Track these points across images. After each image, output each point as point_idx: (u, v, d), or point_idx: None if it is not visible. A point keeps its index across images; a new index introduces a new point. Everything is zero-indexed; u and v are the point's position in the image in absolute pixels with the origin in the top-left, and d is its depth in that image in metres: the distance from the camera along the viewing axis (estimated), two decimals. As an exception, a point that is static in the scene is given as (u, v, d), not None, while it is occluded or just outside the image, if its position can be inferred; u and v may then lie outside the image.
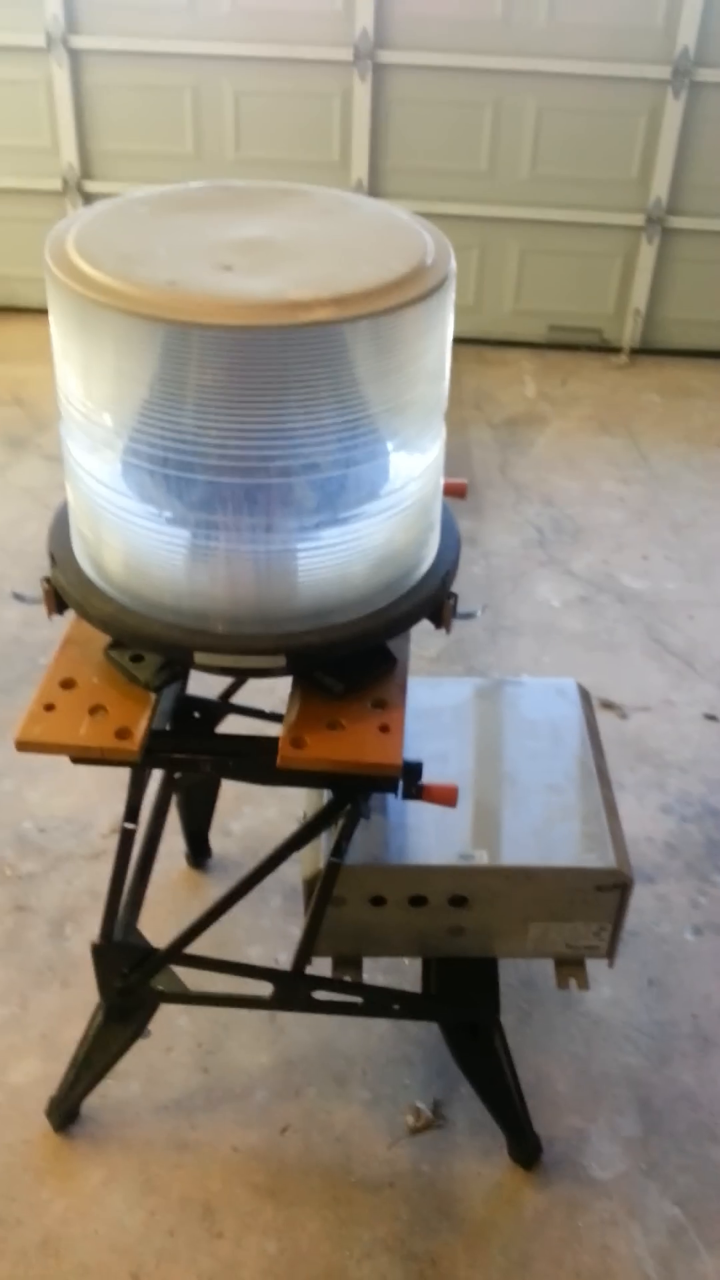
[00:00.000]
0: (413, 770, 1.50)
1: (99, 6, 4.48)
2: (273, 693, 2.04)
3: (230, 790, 2.56)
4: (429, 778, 1.53)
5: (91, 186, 4.83)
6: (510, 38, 4.44)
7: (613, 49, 4.43)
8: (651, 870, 2.52)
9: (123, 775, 1.73)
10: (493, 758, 1.88)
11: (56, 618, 1.54)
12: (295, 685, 1.51)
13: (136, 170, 4.77)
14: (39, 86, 4.65)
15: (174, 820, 2.37)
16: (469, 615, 1.60)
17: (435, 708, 1.97)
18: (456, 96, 4.56)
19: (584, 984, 1.81)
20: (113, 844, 1.72)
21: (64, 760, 2.35)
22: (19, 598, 1.58)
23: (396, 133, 4.67)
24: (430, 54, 4.47)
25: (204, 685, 1.95)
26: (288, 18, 4.44)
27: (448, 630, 1.58)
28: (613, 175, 4.69)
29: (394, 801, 1.77)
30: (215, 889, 1.74)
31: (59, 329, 1.34)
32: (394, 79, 4.55)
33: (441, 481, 1.58)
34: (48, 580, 1.52)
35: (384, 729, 1.45)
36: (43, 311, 1.37)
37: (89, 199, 4.85)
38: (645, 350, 5.04)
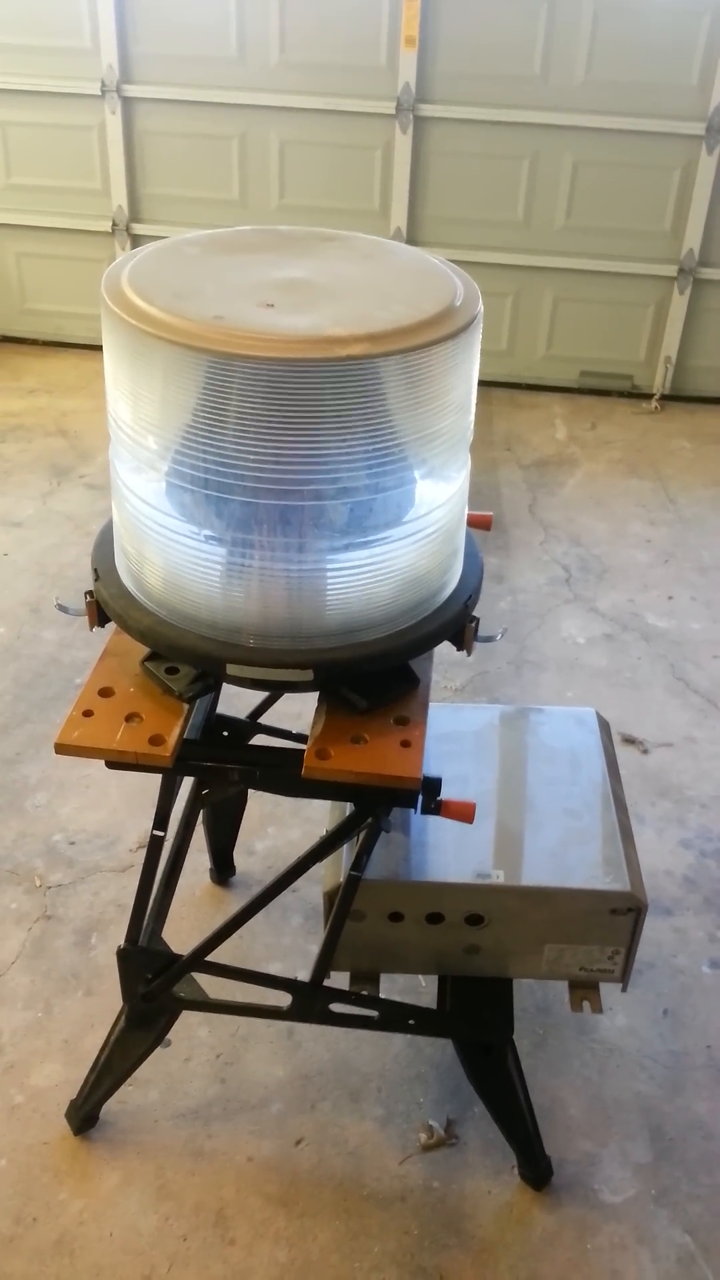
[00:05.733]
0: (432, 785, 1.56)
1: (152, 57, 4.67)
2: (299, 718, 2.10)
3: (255, 811, 2.62)
4: (448, 796, 1.59)
5: (140, 229, 5.00)
6: (548, 94, 4.58)
7: (648, 105, 4.56)
8: (670, 903, 2.55)
9: (150, 794, 1.80)
10: (512, 782, 1.93)
11: (92, 639, 1.61)
12: (321, 700, 1.58)
13: (184, 214, 4.94)
14: (92, 132, 4.84)
15: (200, 839, 2.43)
16: (490, 638, 1.65)
17: (457, 732, 2.02)
18: (494, 149, 4.71)
19: (597, 1007, 1.84)
20: (140, 858, 1.78)
21: (95, 776, 2.41)
22: (63, 609, 1.66)
23: (435, 183, 4.81)
24: (470, 108, 4.62)
25: (234, 707, 2.02)
26: (333, 71, 4.61)
27: (469, 652, 1.64)
28: (646, 227, 4.81)
29: (415, 820, 1.83)
30: (238, 905, 1.79)
31: (111, 358, 1.44)
32: (434, 132, 4.70)
33: (466, 510, 1.65)
34: (90, 594, 1.60)
35: (405, 744, 1.51)
36: (89, 346, 1.47)
37: (137, 241, 5.02)
38: (675, 397, 5.13)
